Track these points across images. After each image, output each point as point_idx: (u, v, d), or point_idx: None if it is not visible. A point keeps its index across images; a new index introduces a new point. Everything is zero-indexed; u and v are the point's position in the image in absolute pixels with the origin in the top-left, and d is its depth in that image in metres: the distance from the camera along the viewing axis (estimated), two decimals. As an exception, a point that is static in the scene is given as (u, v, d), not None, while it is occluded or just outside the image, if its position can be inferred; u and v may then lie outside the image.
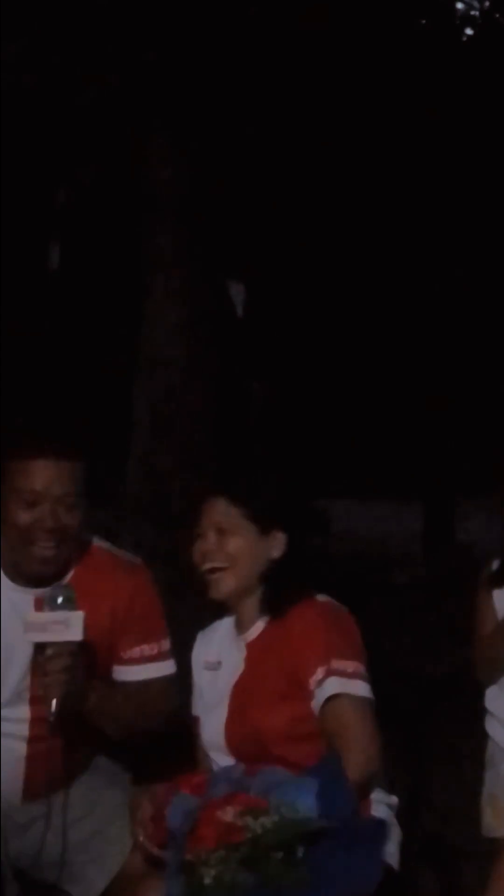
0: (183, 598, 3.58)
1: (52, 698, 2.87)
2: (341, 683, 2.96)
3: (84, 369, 12.37)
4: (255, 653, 3.10)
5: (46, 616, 2.88)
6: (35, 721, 3.06)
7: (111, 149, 9.54)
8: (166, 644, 3.19)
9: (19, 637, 3.02)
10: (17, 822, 3.13)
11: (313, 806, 2.66)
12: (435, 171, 11.09)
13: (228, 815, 2.63)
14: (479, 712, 3.56)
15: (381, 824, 2.83)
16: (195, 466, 5.84)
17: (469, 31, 12.58)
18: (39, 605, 3.00)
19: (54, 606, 2.90)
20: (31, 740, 3.08)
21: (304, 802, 2.67)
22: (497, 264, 12.20)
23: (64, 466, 3.01)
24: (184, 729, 3.33)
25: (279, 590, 3.10)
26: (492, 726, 3.52)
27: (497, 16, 12.45)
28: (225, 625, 3.22)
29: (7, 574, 3.09)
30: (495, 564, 3.58)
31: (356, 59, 10.53)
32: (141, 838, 2.95)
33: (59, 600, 2.90)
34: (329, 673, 2.96)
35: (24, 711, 3.08)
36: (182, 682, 3.28)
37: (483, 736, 3.56)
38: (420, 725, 3.16)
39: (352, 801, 2.78)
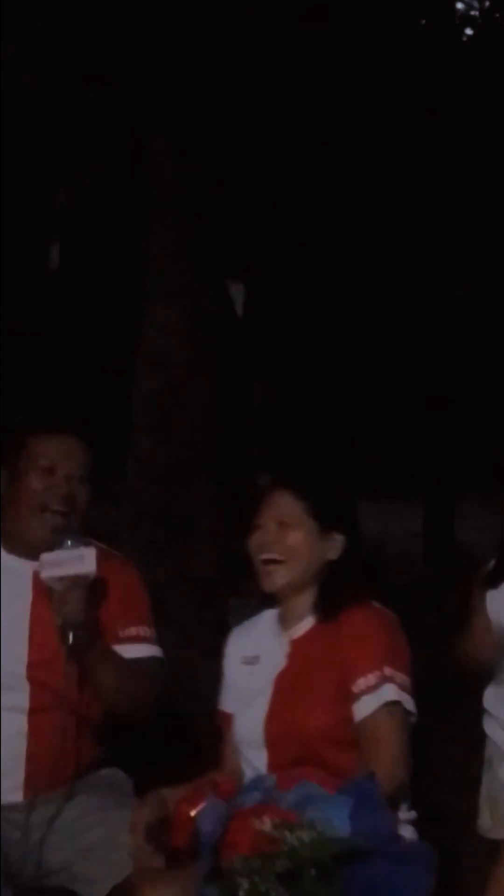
0: (181, 596, 3.59)
1: (69, 629, 3.02)
2: (397, 693, 2.98)
3: (84, 369, 12.37)
4: (300, 650, 3.10)
5: (61, 553, 3.06)
6: (35, 692, 3.13)
7: (111, 149, 9.54)
8: (152, 631, 3.29)
9: (17, 606, 3.17)
10: (18, 823, 3.13)
11: (346, 825, 2.65)
12: (435, 171, 11.09)
13: (266, 825, 2.61)
14: (478, 713, 3.56)
15: (428, 849, 2.80)
16: (195, 466, 5.84)
17: (469, 31, 12.58)
18: (38, 577, 3.14)
19: (61, 547, 3.07)
20: (32, 712, 3.13)
21: (337, 820, 2.65)
22: (497, 265, 12.20)
23: (80, 444, 3.25)
24: (186, 735, 3.34)
25: (334, 592, 3.11)
26: (490, 727, 3.52)
27: (497, 16, 12.44)
28: (264, 620, 3.22)
29: (6, 547, 3.25)
30: (490, 565, 3.58)
31: (356, 59, 10.53)
32: (134, 845, 2.93)
33: (69, 543, 3.06)
34: (384, 679, 2.97)
35: (23, 683, 3.14)
36: (184, 678, 3.30)
37: (482, 737, 3.56)
38: (419, 726, 3.15)
39: (389, 823, 2.75)
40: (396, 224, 11.89)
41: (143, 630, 3.26)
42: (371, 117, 11.01)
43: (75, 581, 3.03)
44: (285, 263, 12.53)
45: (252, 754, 3.08)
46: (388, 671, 2.98)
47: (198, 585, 5.49)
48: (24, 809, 3.12)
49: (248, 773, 3.09)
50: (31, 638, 3.17)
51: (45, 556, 3.06)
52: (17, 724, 3.13)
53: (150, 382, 5.97)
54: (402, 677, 3.01)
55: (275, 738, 3.03)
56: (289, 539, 3.09)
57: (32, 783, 3.13)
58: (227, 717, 3.20)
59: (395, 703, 2.98)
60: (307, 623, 3.12)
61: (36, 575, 3.17)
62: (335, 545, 3.12)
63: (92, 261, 12.54)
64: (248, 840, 2.61)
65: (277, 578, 3.11)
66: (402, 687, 3.00)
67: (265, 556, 3.11)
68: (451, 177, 11.19)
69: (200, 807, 2.79)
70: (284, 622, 3.15)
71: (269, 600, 3.19)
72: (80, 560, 3.04)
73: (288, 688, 3.06)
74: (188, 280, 5.93)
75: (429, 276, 11.53)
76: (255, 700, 3.09)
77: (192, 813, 2.80)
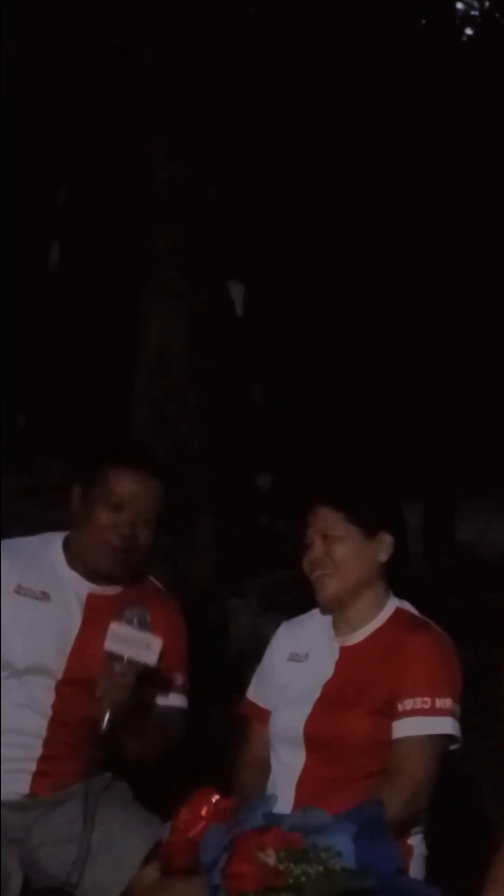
0: (181, 597, 3.59)
1: (108, 709, 2.99)
2: (442, 724, 2.98)
3: (84, 369, 12.38)
4: (351, 659, 3.10)
5: (132, 633, 3.02)
6: (60, 705, 3.17)
7: (111, 149, 9.54)
8: (186, 680, 3.29)
9: (65, 623, 3.22)
10: (19, 823, 3.13)
11: (351, 850, 2.64)
12: (435, 170, 11.08)
13: (270, 857, 2.60)
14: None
15: (435, 892, 2.78)
16: (195, 466, 5.84)
17: (469, 31, 12.57)
18: (92, 598, 3.24)
19: (132, 624, 3.03)
20: (53, 722, 3.17)
21: (342, 846, 2.63)
22: (496, 264, 12.20)
23: (153, 483, 3.26)
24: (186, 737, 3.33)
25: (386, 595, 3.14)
26: None
27: (497, 16, 12.44)
28: (316, 620, 3.22)
29: (69, 562, 3.30)
30: None
31: (356, 59, 10.52)
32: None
33: (135, 620, 3.03)
34: (433, 709, 2.98)
35: (51, 694, 3.18)
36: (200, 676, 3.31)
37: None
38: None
39: (394, 853, 2.73)
40: (396, 224, 11.89)
41: (177, 678, 3.27)
42: (371, 117, 11.01)
43: (134, 667, 3.01)
44: (285, 263, 12.53)
45: (286, 753, 3.08)
46: (439, 701, 2.99)
47: (198, 585, 5.49)
48: (25, 809, 3.13)
49: (277, 770, 3.10)
50: (70, 657, 3.20)
51: (116, 629, 3.03)
52: (37, 727, 3.18)
53: (149, 382, 5.97)
54: (453, 708, 3.01)
55: (314, 740, 3.03)
56: (335, 552, 3.10)
57: (39, 785, 3.15)
58: (261, 712, 3.21)
59: (438, 736, 2.99)
60: (362, 633, 3.12)
61: (89, 598, 3.25)
62: (384, 546, 3.12)
63: (92, 261, 12.53)
64: (253, 872, 2.59)
65: (329, 588, 3.11)
66: (451, 715, 3.00)
67: (317, 574, 3.12)
68: (450, 176, 11.18)
69: (199, 828, 2.78)
70: (338, 628, 3.15)
71: (324, 609, 3.20)
72: (146, 648, 3.01)
73: (334, 694, 3.06)
74: (188, 280, 5.93)
75: (427, 273, 11.52)
76: (299, 700, 3.09)
77: (191, 835, 2.79)
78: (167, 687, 3.24)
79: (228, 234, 6.82)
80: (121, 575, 3.26)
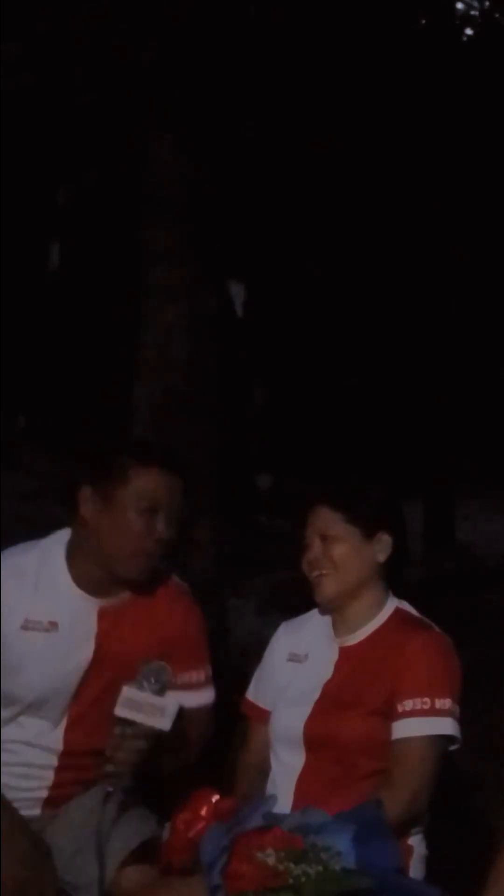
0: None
1: (118, 774, 2.85)
2: (443, 725, 2.97)
3: (84, 370, 12.38)
4: (350, 659, 3.09)
5: (145, 697, 2.81)
6: (69, 742, 3.07)
7: (111, 149, 9.54)
8: (209, 670, 3.17)
9: (77, 646, 3.07)
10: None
11: (350, 850, 2.63)
12: (435, 171, 11.09)
13: (270, 857, 2.60)
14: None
15: (435, 892, 2.76)
16: (195, 467, 5.83)
17: (469, 31, 12.59)
18: (103, 615, 3.07)
19: (148, 685, 2.83)
20: (64, 755, 3.09)
21: (342, 845, 2.63)
22: (496, 263, 12.20)
23: (180, 482, 3.07)
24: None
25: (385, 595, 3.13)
26: None
27: (497, 16, 12.45)
28: (316, 621, 3.21)
29: (76, 576, 3.10)
30: None
31: (356, 59, 10.53)
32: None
33: (151, 680, 2.83)
34: (434, 710, 2.96)
35: (62, 723, 3.09)
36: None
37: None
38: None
39: (394, 853, 2.73)
40: (396, 224, 11.89)
41: (200, 674, 3.14)
42: (371, 117, 11.01)
43: (145, 732, 2.81)
44: (285, 263, 12.54)
45: (286, 753, 3.07)
46: (438, 702, 2.97)
47: (198, 585, 5.48)
48: (37, 823, 3.12)
49: (277, 770, 3.10)
50: (83, 682, 3.07)
51: (129, 694, 2.80)
52: (48, 760, 3.11)
53: (149, 383, 5.97)
54: (452, 709, 3.00)
55: (314, 740, 3.03)
56: (333, 552, 3.09)
57: (52, 803, 3.13)
58: (261, 712, 3.20)
59: (438, 737, 2.99)
60: (361, 633, 3.11)
61: (100, 614, 3.08)
62: (383, 546, 3.11)
63: (92, 261, 12.54)
64: (252, 872, 2.59)
65: (327, 588, 3.10)
66: (450, 716, 2.99)
67: (315, 573, 3.11)
68: (450, 176, 11.18)
69: (199, 828, 2.78)
70: (337, 629, 3.15)
71: (323, 608, 3.19)
72: (160, 713, 2.79)
73: (333, 694, 3.05)
74: (188, 280, 5.92)
75: (427, 273, 11.53)
76: (299, 701, 3.09)
77: (191, 835, 2.79)
78: (187, 686, 3.08)
79: (228, 233, 6.81)
80: (137, 579, 3.09)
